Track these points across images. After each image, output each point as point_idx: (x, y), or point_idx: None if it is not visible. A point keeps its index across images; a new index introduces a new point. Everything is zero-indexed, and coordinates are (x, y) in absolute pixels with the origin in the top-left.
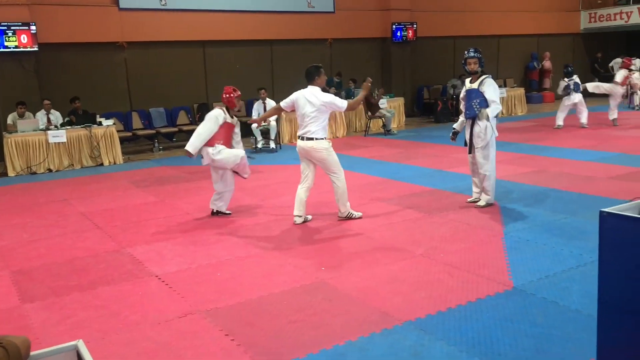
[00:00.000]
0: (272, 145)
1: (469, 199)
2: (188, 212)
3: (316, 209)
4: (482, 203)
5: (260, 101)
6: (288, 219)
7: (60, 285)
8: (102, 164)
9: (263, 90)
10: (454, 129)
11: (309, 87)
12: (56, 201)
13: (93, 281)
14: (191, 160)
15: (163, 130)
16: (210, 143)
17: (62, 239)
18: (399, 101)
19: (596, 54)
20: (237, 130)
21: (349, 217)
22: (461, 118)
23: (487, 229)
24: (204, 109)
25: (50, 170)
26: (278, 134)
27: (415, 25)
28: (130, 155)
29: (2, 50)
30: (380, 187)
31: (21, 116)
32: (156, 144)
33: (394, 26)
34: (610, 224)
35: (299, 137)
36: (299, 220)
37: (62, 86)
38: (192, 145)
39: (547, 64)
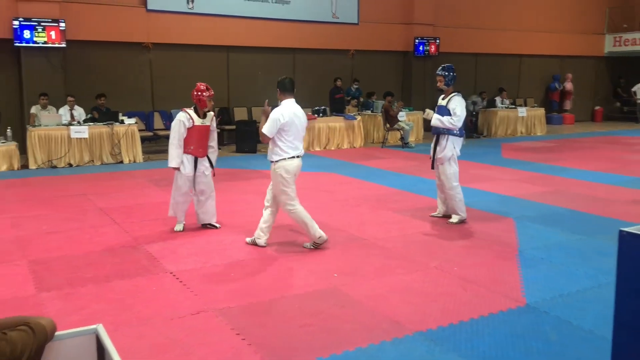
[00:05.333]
0: None
1: (432, 214)
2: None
3: (329, 217)
4: (454, 220)
5: None
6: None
7: (76, 276)
8: (122, 162)
9: None
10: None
11: (291, 101)
12: (75, 195)
13: (108, 275)
14: None
15: None
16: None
17: (80, 232)
18: (418, 115)
19: (619, 78)
20: (214, 135)
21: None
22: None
23: (502, 245)
24: (225, 113)
25: (70, 165)
26: None
27: (437, 41)
28: (150, 155)
29: (31, 45)
30: (395, 199)
31: (44, 107)
32: None
33: (416, 40)
34: (629, 244)
35: (294, 157)
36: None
37: (87, 83)
38: (170, 160)
39: (569, 85)
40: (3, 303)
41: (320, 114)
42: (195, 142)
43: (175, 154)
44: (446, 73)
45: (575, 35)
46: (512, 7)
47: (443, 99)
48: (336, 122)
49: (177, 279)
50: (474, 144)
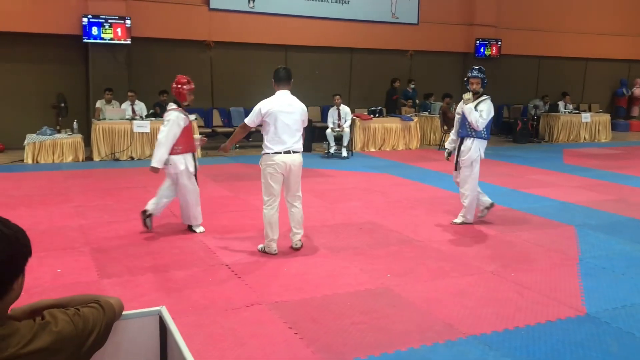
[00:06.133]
0: (344, 153)
1: (478, 214)
2: (260, 209)
3: (383, 218)
4: (458, 220)
5: (334, 107)
6: (356, 223)
7: (135, 265)
8: None
9: (337, 96)
10: (447, 148)
11: (283, 92)
12: (136, 187)
13: (166, 264)
14: None
15: None
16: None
17: (140, 223)
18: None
19: None
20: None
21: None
22: (452, 136)
23: (561, 252)
24: None
25: (132, 158)
26: (351, 141)
27: (499, 42)
28: (208, 151)
29: (98, 41)
30: (451, 202)
31: (108, 102)
32: None
33: (477, 42)
34: None
35: (281, 152)
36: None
37: (150, 79)
38: (159, 161)
39: (638, 91)
40: (68, 287)
41: (376, 114)
42: (183, 142)
43: (163, 155)
44: (483, 76)
45: None
46: (578, 9)
47: (472, 100)
48: (392, 123)
49: (233, 271)
50: (534, 148)
